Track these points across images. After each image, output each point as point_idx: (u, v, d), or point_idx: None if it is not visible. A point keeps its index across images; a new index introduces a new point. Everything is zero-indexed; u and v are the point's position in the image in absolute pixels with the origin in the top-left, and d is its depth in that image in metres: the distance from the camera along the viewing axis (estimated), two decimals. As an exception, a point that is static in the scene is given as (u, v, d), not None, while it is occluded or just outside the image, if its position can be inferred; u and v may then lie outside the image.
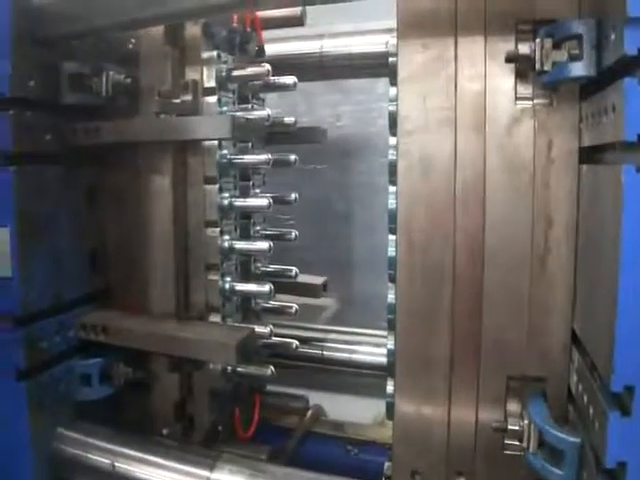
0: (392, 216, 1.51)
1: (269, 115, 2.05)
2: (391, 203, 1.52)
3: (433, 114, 1.44)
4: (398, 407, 1.55)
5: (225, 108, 1.97)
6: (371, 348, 2.37)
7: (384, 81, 1.92)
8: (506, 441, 1.43)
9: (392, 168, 1.51)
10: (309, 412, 2.50)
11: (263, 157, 1.99)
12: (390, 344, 1.56)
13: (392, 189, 1.52)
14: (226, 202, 1.94)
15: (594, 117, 1.23)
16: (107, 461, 1.83)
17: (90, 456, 1.86)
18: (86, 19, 1.73)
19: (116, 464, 1.82)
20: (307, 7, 2.08)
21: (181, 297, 1.95)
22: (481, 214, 1.42)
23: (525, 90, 1.39)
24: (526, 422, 1.33)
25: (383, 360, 1.67)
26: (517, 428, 1.36)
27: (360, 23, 2.21)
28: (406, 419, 1.54)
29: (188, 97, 1.85)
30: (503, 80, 1.39)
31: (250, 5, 1.77)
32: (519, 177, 1.39)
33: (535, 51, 1.26)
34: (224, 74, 1.95)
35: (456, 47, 1.42)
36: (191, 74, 1.90)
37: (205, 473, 1.75)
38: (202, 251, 1.94)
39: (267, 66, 1.99)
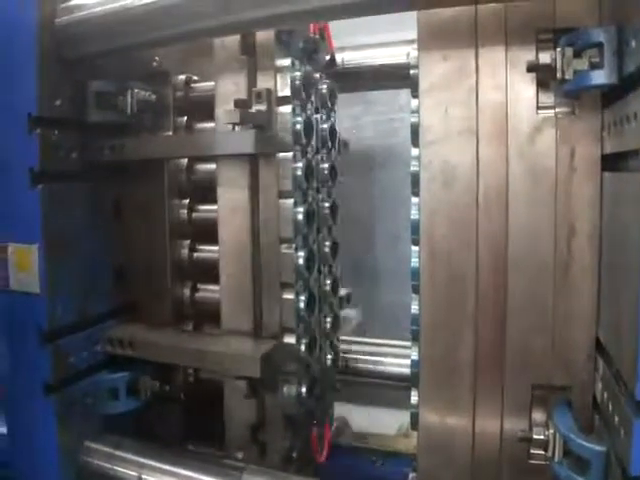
0: (414, 227, 1.51)
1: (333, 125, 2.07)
2: (413, 214, 1.53)
3: (455, 124, 1.45)
4: (422, 417, 1.54)
5: (299, 118, 1.86)
6: (395, 359, 2.36)
7: (406, 92, 1.92)
8: (531, 450, 1.41)
9: (414, 179, 1.51)
10: (334, 424, 2.50)
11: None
12: (414, 355, 1.56)
13: (414, 200, 1.52)
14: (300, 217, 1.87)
15: (616, 125, 1.23)
16: (134, 473, 1.86)
17: (117, 468, 1.89)
18: (109, 39, 1.76)
19: (143, 476, 1.84)
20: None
21: (257, 317, 1.91)
22: (504, 223, 1.42)
23: (547, 99, 1.39)
24: (551, 431, 1.33)
25: (407, 371, 1.67)
26: (542, 437, 1.35)
27: (381, 34, 2.21)
28: (430, 429, 1.54)
29: (262, 107, 1.77)
30: (524, 89, 1.40)
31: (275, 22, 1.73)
32: (541, 186, 1.39)
33: (556, 60, 1.26)
34: (298, 82, 1.85)
35: (477, 57, 1.42)
36: (264, 83, 1.83)
37: (232, 484, 1.77)
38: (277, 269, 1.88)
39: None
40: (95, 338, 1.94)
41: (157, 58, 1.98)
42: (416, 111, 1.50)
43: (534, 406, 1.44)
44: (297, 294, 1.87)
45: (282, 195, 1.84)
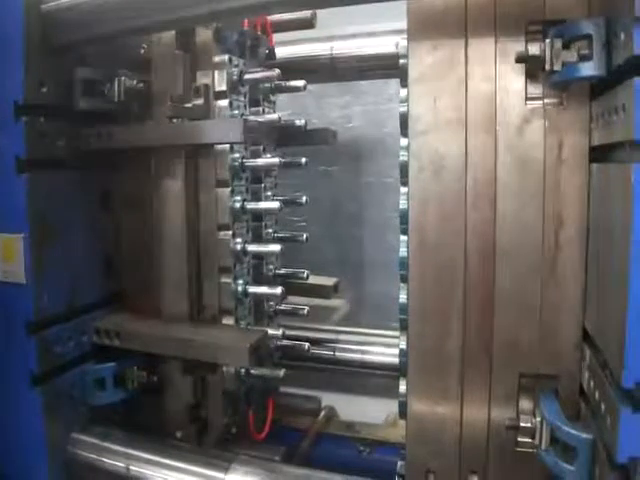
0: (403, 216, 1.52)
1: (279, 118, 2.06)
2: (402, 203, 1.54)
3: (444, 115, 1.45)
4: (411, 406, 1.55)
5: (236, 112, 1.98)
6: (383, 348, 2.37)
7: (395, 82, 1.93)
8: (519, 438, 1.43)
9: (403, 169, 1.52)
10: (322, 413, 2.51)
11: (274, 160, 2.03)
12: (402, 344, 1.57)
13: (403, 190, 1.53)
14: (238, 205, 1.94)
15: (604, 116, 1.24)
16: (122, 464, 1.85)
17: (104, 460, 1.89)
18: (97, 25, 1.75)
19: (131, 467, 1.84)
20: (318, 10, 2.09)
21: (194, 300, 1.96)
22: (492, 214, 1.43)
23: (535, 90, 1.40)
24: (538, 419, 1.34)
25: (395, 360, 1.67)
26: (529, 425, 1.37)
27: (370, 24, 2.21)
28: (419, 418, 1.55)
29: (200, 101, 1.87)
30: (513, 80, 1.40)
31: (261, 10, 1.78)
32: (530, 177, 1.40)
33: (545, 51, 1.26)
34: (235, 78, 1.97)
35: (466, 48, 1.43)
36: (202, 78, 1.92)
37: (220, 475, 1.76)
38: (215, 254, 1.95)
39: (277, 70, 2.01)
40: (82, 329, 1.93)
41: (145, 46, 1.95)
42: (405, 101, 1.50)
43: (521, 395, 1.46)
44: (235, 278, 1.96)
45: (219, 184, 1.92)
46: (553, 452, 1.30)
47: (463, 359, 1.47)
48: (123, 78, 1.83)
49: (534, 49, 1.31)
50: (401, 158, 1.53)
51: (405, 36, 1.49)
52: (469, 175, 1.44)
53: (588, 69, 1.20)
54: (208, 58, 1.92)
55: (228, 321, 1.97)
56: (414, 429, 1.56)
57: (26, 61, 1.69)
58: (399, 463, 1.62)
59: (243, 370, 2.03)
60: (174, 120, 1.86)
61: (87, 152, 1.89)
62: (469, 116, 1.43)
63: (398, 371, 1.60)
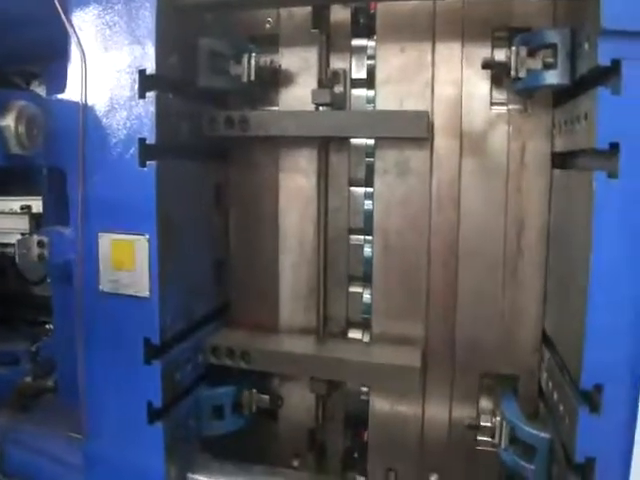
0: (368, 217, 1.55)
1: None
2: (367, 204, 1.56)
3: (410, 117, 1.46)
4: (373, 405, 1.58)
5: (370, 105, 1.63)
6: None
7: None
8: (479, 437, 1.46)
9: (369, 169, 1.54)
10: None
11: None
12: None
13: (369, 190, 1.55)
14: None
15: (567, 124, 1.27)
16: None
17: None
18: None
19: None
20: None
21: (320, 312, 1.66)
22: (456, 217, 1.45)
23: (500, 96, 1.43)
24: (498, 419, 1.37)
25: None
26: (489, 425, 1.40)
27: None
28: (381, 417, 1.57)
29: (339, 88, 1.57)
30: (479, 86, 1.43)
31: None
32: (493, 181, 1.43)
33: (510, 58, 1.29)
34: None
35: (433, 52, 1.45)
36: (338, 63, 1.61)
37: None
38: (344, 261, 1.65)
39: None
40: (197, 348, 1.59)
41: (270, 20, 1.63)
42: (372, 102, 1.52)
43: (482, 394, 1.50)
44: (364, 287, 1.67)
45: (353, 183, 1.64)
46: (512, 451, 1.33)
47: (425, 360, 1.49)
48: (254, 54, 1.52)
49: (500, 55, 1.33)
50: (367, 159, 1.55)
51: (374, 38, 1.51)
52: (434, 178, 1.46)
53: (552, 77, 1.23)
54: (344, 40, 1.61)
55: (356, 335, 1.68)
56: (376, 427, 1.58)
57: (158, 22, 1.35)
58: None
59: (365, 389, 1.68)
60: (320, 108, 1.55)
61: (206, 139, 1.57)
62: (435, 119, 1.45)
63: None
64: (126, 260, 1.38)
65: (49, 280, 2.03)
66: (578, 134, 1.18)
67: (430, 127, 1.45)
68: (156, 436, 1.42)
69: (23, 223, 2.10)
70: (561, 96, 1.34)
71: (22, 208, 2.14)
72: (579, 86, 1.18)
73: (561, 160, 1.36)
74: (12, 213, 2.16)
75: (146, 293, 1.37)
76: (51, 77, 1.72)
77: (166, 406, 1.43)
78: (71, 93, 1.42)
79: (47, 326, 2.15)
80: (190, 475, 1.52)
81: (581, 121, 1.15)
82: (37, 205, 2.08)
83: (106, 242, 1.39)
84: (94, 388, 1.45)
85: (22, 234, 1.97)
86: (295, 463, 1.70)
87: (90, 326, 1.44)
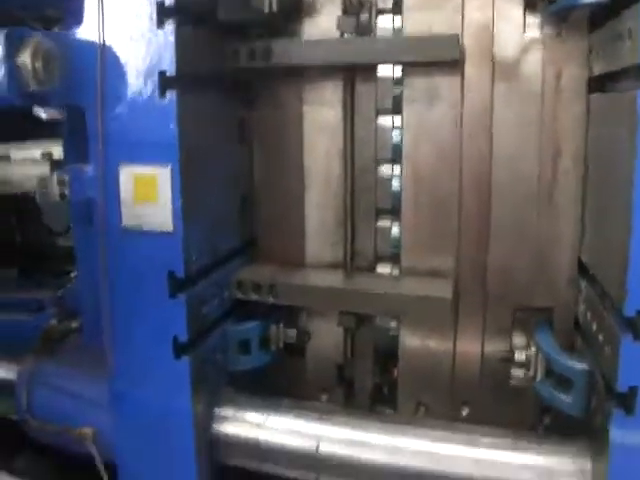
0: (397, 148, 1.50)
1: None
2: (395, 135, 1.51)
3: (439, 44, 1.41)
4: (403, 340, 1.56)
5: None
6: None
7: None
8: (512, 371, 1.43)
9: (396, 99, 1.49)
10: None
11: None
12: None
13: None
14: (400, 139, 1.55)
15: (607, 44, 1.21)
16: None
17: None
18: None
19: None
20: None
21: (347, 246, 1.63)
22: (488, 146, 1.41)
23: (534, 20, 1.37)
24: (533, 351, 1.35)
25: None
26: (523, 358, 1.38)
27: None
28: (411, 352, 1.55)
29: (365, 16, 1.51)
30: (512, 10, 1.37)
31: None
32: (527, 108, 1.37)
33: (545, -22, 1.23)
34: None
35: (464, -25, 1.38)
36: None
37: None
38: (372, 194, 1.59)
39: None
40: (223, 283, 1.59)
41: None
42: (400, 29, 1.46)
43: (515, 328, 1.47)
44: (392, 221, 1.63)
45: (381, 113, 1.56)
46: (548, 383, 1.31)
47: (457, 293, 1.46)
48: None
49: (534, -25, 1.27)
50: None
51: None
52: (465, 105, 1.41)
53: (588, -4, 1.16)
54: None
55: (384, 270, 1.64)
56: (406, 361, 1.56)
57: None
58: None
59: (394, 324, 1.65)
60: (345, 35, 1.50)
61: (230, 71, 1.54)
62: (465, 46, 1.39)
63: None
64: (149, 193, 1.35)
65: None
66: (620, 53, 1.12)
67: (461, 51, 1.38)
68: (183, 371, 1.42)
69: (44, 170, 2.09)
70: (597, 19, 1.28)
71: (43, 155, 2.11)
72: (620, 3, 1.11)
73: (599, 84, 1.30)
74: (33, 160, 2.13)
75: (170, 227, 1.35)
76: (70, 18, 1.66)
77: (192, 341, 1.43)
78: (88, 28, 1.36)
79: (71, 274, 2.15)
80: (217, 409, 1.54)
81: (624, 39, 1.09)
82: (58, 151, 2.03)
83: (128, 176, 1.36)
84: (119, 325, 1.44)
85: (43, 181, 1.95)
86: (323, 398, 1.69)
87: (113, 263, 1.41)
